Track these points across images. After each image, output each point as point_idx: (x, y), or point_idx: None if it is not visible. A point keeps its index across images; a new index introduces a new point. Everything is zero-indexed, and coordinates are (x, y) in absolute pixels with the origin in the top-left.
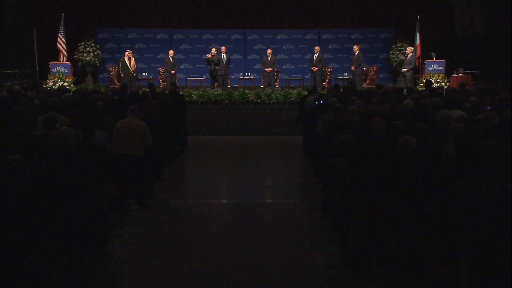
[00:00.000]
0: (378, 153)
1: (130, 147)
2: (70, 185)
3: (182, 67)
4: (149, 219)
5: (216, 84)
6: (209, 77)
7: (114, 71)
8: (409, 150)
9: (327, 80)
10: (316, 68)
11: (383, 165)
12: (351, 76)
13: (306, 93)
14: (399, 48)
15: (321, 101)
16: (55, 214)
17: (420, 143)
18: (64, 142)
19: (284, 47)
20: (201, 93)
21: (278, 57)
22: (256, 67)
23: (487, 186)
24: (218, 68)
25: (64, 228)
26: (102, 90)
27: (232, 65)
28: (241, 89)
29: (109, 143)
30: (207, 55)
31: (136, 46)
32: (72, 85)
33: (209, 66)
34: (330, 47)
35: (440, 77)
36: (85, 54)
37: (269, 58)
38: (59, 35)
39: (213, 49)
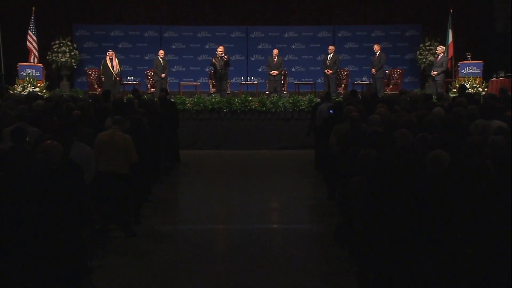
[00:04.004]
0: (403, 171)
1: (113, 164)
2: (51, 208)
3: (173, 70)
4: (135, 247)
5: (214, 89)
6: (205, 81)
7: (94, 75)
8: (441, 166)
9: (343, 85)
10: (330, 71)
11: (409, 185)
12: (371, 80)
13: (318, 100)
14: (428, 47)
15: (336, 110)
16: (27, 241)
17: (454, 159)
18: (49, 159)
19: (293, 47)
20: (196, 100)
21: (285, 58)
22: (260, 70)
23: None
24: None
25: (35, 259)
26: (80, 97)
27: (232, 68)
28: (243, 96)
29: (92, 159)
30: (213, 60)
31: (120, 45)
32: (44, 91)
33: (211, 68)
34: (346, 46)
35: (477, 82)
36: (60, 55)
37: (275, 59)
38: (29, 32)
39: (219, 49)
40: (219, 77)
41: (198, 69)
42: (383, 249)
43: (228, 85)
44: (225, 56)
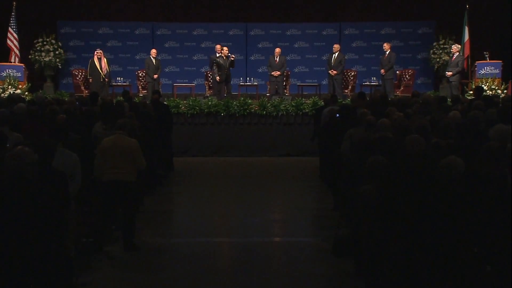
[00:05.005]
0: (415, 179)
1: (120, 172)
2: (24, 221)
3: (167, 70)
4: (125, 262)
5: (210, 91)
6: (201, 83)
7: (81, 75)
8: (455, 174)
9: (349, 87)
10: (335, 72)
11: (422, 194)
12: (380, 81)
13: (323, 103)
14: (442, 46)
15: (343, 114)
16: (4, 255)
17: (471, 166)
18: (19, 166)
19: (296, 45)
20: (191, 103)
21: (288, 58)
22: (260, 70)
23: None
24: (221, 73)
25: (14, 274)
26: (66, 100)
27: (230, 68)
28: (242, 98)
29: (79, 167)
30: (217, 59)
31: (108, 44)
32: (26, 93)
33: (214, 69)
34: (353, 45)
35: (495, 83)
36: (43, 54)
37: (277, 59)
38: (10, 29)
39: (225, 48)
40: (225, 77)
41: (193, 69)
42: (392, 264)
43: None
44: (232, 56)
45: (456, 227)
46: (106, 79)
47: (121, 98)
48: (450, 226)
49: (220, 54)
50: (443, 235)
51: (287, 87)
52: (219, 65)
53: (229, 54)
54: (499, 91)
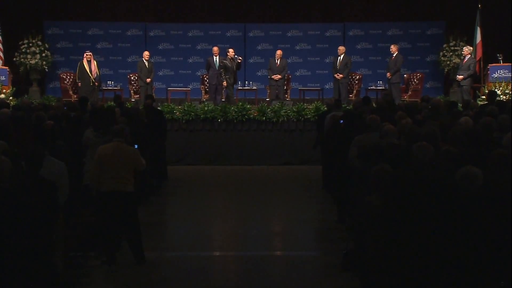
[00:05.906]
0: (423, 189)
1: (119, 182)
2: (9, 233)
3: (160, 73)
4: (116, 277)
5: (206, 96)
6: (196, 87)
7: (69, 79)
8: (474, 186)
9: (354, 91)
10: (341, 75)
11: (430, 205)
12: (386, 85)
13: (326, 108)
14: (452, 48)
15: (347, 120)
16: None
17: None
18: None
19: (297, 47)
20: (186, 108)
21: (289, 61)
22: (259, 73)
23: None
24: (228, 76)
25: None
26: (53, 105)
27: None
28: (240, 103)
29: (66, 176)
30: (224, 61)
31: (98, 46)
32: (11, 98)
33: (221, 71)
34: (358, 46)
35: (510, 87)
36: (29, 56)
37: (278, 61)
38: None
39: (230, 50)
40: (232, 81)
41: (188, 72)
42: (400, 280)
43: (222, 91)
44: (239, 58)
45: (467, 242)
46: (96, 83)
47: (112, 103)
48: (463, 240)
49: (216, 57)
50: (454, 249)
51: (288, 91)
52: (226, 68)
53: (235, 56)
54: None
